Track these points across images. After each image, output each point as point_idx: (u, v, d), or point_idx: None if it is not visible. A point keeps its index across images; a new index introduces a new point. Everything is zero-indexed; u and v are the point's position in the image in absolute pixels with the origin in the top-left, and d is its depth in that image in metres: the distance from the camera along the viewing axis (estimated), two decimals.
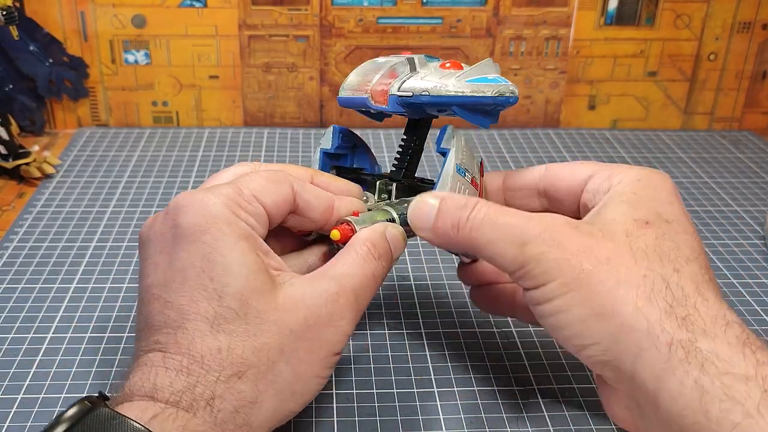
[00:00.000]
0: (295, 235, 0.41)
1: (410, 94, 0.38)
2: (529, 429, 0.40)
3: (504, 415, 0.41)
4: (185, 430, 0.29)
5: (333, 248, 0.40)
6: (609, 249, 0.32)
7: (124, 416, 0.29)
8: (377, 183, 0.42)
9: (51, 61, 0.75)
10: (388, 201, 0.42)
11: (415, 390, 0.42)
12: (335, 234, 0.37)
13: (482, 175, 0.41)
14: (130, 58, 0.77)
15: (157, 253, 0.34)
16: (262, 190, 0.35)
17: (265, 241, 0.40)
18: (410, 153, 0.43)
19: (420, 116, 0.42)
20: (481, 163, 0.42)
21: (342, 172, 0.44)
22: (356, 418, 0.40)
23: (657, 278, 0.31)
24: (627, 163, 0.39)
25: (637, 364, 0.31)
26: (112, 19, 0.75)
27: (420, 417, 0.40)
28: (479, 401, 0.42)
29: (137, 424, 0.28)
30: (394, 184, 0.42)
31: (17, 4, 0.71)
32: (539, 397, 0.42)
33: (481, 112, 0.38)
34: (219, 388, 0.31)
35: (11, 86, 0.74)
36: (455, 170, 0.39)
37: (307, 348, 0.33)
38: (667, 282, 0.31)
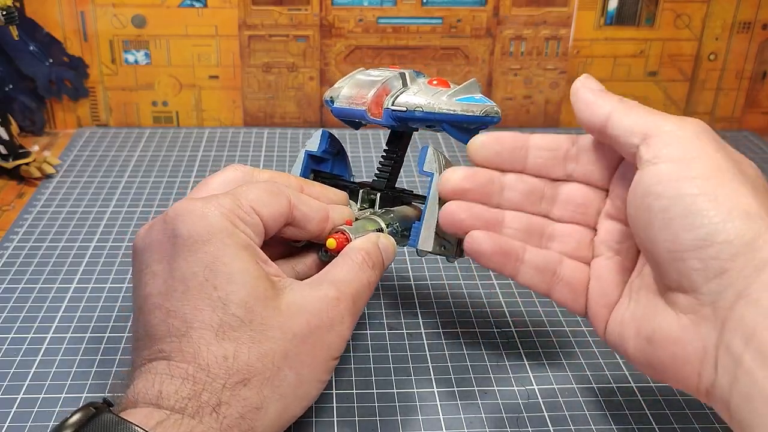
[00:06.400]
0: (284, 242, 0.41)
1: (404, 109, 0.40)
2: (529, 429, 0.40)
3: (504, 415, 0.41)
4: None
5: (321, 255, 0.41)
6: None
7: (129, 422, 0.29)
8: (360, 192, 0.43)
9: (51, 61, 0.75)
10: (372, 211, 0.43)
11: (415, 390, 0.42)
12: (331, 243, 0.38)
13: None
14: (130, 58, 0.77)
15: (155, 262, 0.34)
16: (260, 201, 0.36)
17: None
18: (392, 164, 0.44)
19: (405, 129, 0.43)
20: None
21: (321, 177, 0.45)
22: (356, 418, 0.40)
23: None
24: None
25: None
26: (112, 19, 0.75)
27: (420, 417, 0.40)
28: (479, 401, 0.42)
29: (142, 430, 0.28)
30: (378, 194, 0.43)
31: (17, 4, 0.71)
32: (539, 396, 0.42)
33: (466, 130, 0.41)
34: (225, 395, 0.31)
35: (11, 86, 0.74)
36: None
37: (310, 352, 0.33)
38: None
